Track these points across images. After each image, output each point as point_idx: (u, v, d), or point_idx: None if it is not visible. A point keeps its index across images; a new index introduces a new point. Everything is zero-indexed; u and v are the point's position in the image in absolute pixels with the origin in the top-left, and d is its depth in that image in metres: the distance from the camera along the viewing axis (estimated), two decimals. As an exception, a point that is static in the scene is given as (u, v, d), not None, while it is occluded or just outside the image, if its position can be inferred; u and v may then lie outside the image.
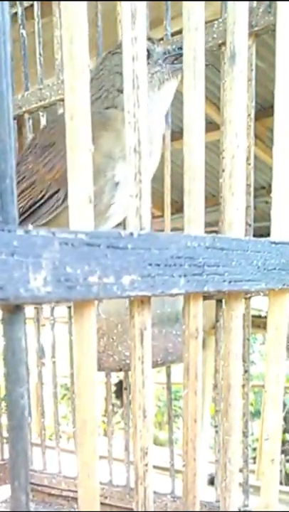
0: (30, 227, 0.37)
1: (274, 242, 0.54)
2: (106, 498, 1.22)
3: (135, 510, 0.49)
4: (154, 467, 1.18)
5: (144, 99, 0.45)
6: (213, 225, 0.89)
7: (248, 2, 0.53)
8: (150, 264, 0.44)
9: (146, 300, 0.47)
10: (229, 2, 0.52)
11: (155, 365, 1.13)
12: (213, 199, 1.20)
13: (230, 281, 0.50)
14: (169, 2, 1.10)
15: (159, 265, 0.44)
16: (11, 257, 0.36)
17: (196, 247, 0.47)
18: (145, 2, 0.45)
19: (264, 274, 0.53)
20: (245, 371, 0.95)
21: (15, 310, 0.39)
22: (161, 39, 1.11)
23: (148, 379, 0.48)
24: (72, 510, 1.24)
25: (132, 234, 0.43)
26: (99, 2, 1.21)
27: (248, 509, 0.96)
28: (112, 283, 0.42)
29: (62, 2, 0.41)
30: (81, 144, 0.42)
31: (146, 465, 0.48)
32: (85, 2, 0.41)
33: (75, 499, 1.24)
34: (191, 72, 0.49)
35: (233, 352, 0.56)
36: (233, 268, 0.50)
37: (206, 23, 1.11)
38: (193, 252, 0.47)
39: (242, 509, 0.96)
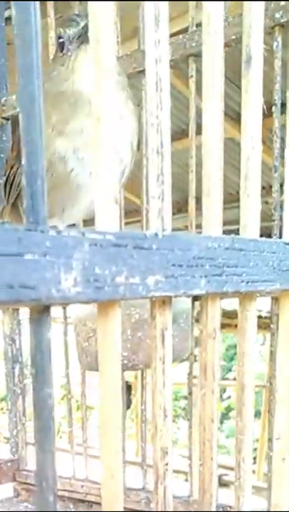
0: (61, 227, 0.37)
1: (288, 243, 0.55)
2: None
3: (154, 509, 0.49)
4: (152, 466, 1.19)
5: (167, 101, 0.45)
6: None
7: (263, 3, 0.53)
8: (173, 265, 0.44)
9: (168, 300, 0.48)
10: (245, 3, 0.52)
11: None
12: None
13: (247, 282, 0.51)
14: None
15: (181, 266, 0.45)
16: (44, 258, 0.36)
17: (217, 248, 0.48)
18: (167, 4, 0.45)
19: (279, 275, 0.54)
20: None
21: (44, 310, 0.39)
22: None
23: (169, 379, 0.48)
24: (68, 509, 1.24)
25: (156, 234, 0.43)
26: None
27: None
28: (138, 283, 0.42)
29: (89, 2, 0.41)
30: (106, 145, 0.42)
31: (166, 464, 0.48)
32: (112, 2, 0.41)
33: (71, 499, 1.24)
34: (210, 75, 0.49)
35: (247, 352, 0.56)
36: (251, 269, 0.51)
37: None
38: (213, 252, 0.47)
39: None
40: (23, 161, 0.37)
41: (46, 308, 0.39)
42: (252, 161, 0.54)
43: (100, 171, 0.42)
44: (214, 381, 0.52)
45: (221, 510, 1.08)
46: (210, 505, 0.53)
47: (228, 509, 1.08)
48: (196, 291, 0.46)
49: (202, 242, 0.46)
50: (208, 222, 0.51)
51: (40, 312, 0.39)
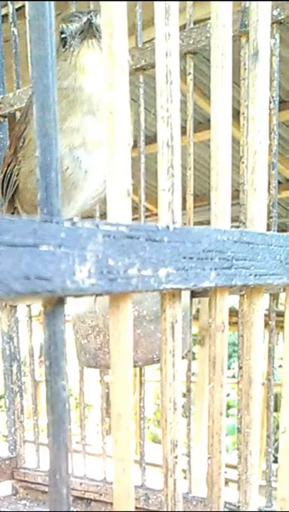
0: (75, 219, 0.37)
1: (295, 237, 0.55)
2: (101, 495, 1.23)
3: (164, 503, 0.49)
4: (150, 464, 1.19)
5: (177, 94, 0.45)
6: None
7: None
8: (184, 257, 0.44)
9: (178, 293, 0.48)
10: (252, -1, 0.52)
11: (151, 362, 1.13)
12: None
13: (255, 275, 0.51)
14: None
15: (192, 258, 0.45)
16: (59, 249, 0.36)
17: (226, 241, 0.48)
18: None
19: (286, 269, 0.54)
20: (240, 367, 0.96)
21: (58, 302, 0.39)
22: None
23: (178, 372, 0.48)
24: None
25: (168, 227, 0.43)
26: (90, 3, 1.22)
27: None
28: (150, 275, 0.42)
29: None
30: (119, 138, 0.42)
31: (176, 457, 0.48)
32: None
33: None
34: (218, 69, 0.49)
35: (254, 346, 0.56)
36: (259, 262, 0.51)
37: (200, 21, 1.12)
38: (222, 245, 0.47)
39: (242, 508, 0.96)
40: (37, 153, 0.37)
41: (61, 300, 0.39)
42: (259, 155, 0.54)
43: (112, 163, 0.42)
44: (223, 374, 0.52)
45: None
46: (218, 498, 0.53)
47: (227, 506, 1.08)
48: (206, 284, 0.46)
49: (212, 235, 0.47)
50: (217, 216, 0.51)
51: (55, 304, 0.39)
